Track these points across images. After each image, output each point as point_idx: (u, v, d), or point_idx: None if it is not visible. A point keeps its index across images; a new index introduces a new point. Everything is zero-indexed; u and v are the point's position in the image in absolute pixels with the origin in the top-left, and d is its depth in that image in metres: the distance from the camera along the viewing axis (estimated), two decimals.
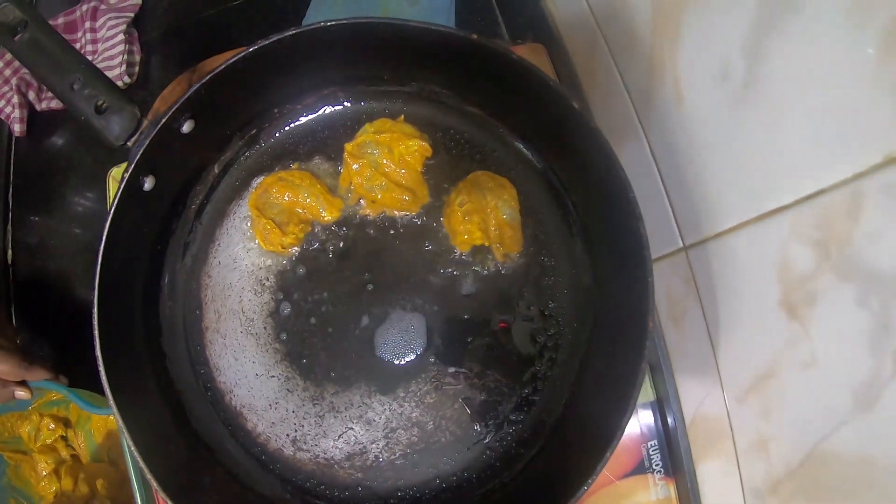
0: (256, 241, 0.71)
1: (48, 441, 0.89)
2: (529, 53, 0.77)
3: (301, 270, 0.71)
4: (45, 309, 1.01)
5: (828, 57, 0.45)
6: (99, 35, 1.02)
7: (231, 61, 0.61)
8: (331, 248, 0.71)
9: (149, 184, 0.64)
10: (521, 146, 0.71)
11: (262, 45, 0.60)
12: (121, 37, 1.00)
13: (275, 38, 0.61)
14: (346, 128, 0.72)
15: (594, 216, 0.67)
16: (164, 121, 0.61)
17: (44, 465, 0.89)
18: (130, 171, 0.60)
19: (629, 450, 0.75)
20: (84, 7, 1.03)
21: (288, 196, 0.70)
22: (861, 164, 0.44)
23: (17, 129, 1.03)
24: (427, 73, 0.69)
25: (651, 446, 0.75)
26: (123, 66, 0.99)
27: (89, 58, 0.99)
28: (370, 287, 0.70)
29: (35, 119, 1.05)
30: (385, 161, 0.69)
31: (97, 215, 1.01)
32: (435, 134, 0.72)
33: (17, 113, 1.02)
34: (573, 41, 0.81)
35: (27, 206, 1.05)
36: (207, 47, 0.88)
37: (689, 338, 0.69)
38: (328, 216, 0.71)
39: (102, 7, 1.03)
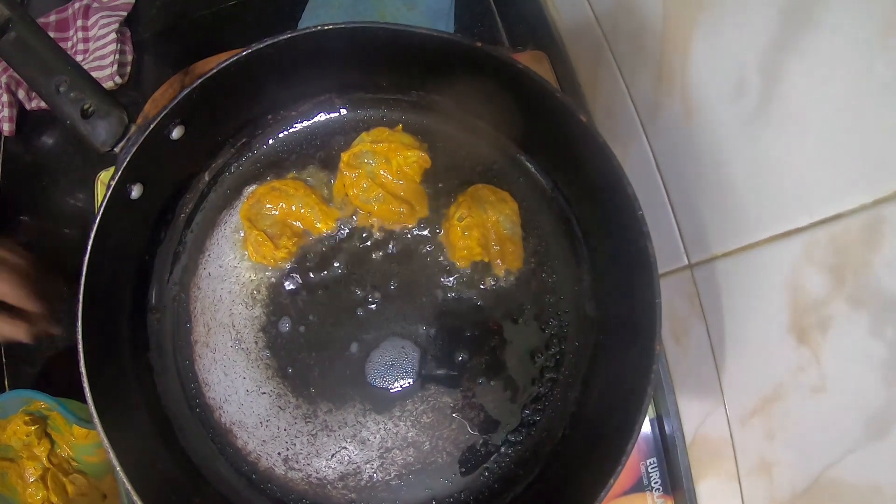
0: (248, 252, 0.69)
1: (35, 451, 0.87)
2: (531, 61, 0.75)
3: (293, 284, 0.69)
4: None
5: (850, 78, 0.43)
6: (91, 34, 1.00)
7: (223, 65, 0.59)
8: (324, 261, 0.69)
9: (136, 192, 0.62)
10: (524, 158, 0.70)
11: (256, 48, 0.59)
12: (113, 36, 0.98)
13: (269, 41, 0.59)
14: (342, 136, 0.71)
15: (599, 233, 0.66)
16: (152, 126, 0.59)
17: (31, 472, 0.88)
18: (117, 178, 0.59)
19: (627, 467, 0.72)
20: (76, 5, 1.02)
21: (281, 207, 0.68)
22: (883, 190, 0.42)
23: (6, 128, 1.01)
24: (427, 81, 0.67)
25: (650, 464, 0.74)
26: (115, 66, 0.97)
27: (80, 57, 0.98)
28: (364, 302, 0.69)
29: (25, 118, 1.03)
30: (382, 172, 0.67)
31: (87, 216, 0.99)
32: (434, 144, 0.70)
33: (6, 112, 1.01)
34: (576, 49, 0.80)
35: (16, 205, 1.03)
36: (201, 49, 0.86)
37: (692, 356, 0.68)
38: (323, 228, 0.69)
39: (95, 5, 1.01)
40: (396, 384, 0.68)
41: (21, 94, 1.02)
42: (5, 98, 1.00)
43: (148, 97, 0.83)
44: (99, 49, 0.99)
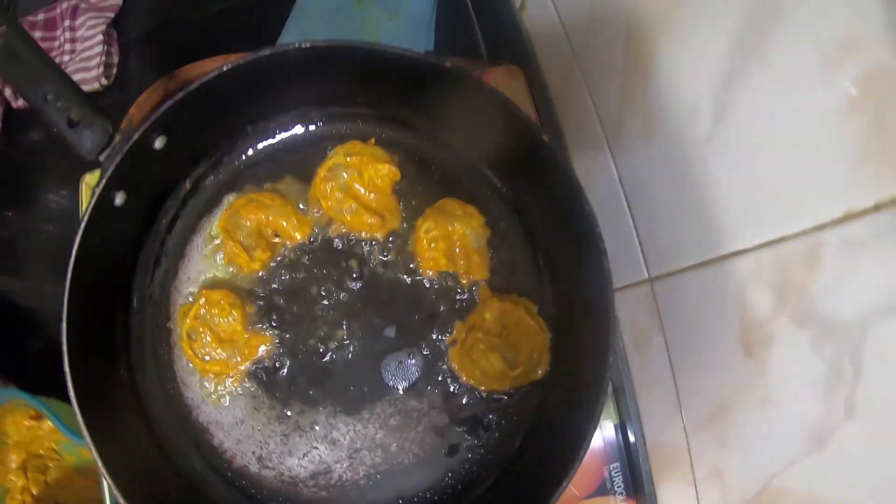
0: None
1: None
2: (506, 76, 0.77)
3: (267, 291, 0.71)
4: (15, 308, 1.01)
5: (794, 109, 0.45)
6: (78, 34, 1.01)
7: (206, 79, 0.60)
8: (296, 269, 0.71)
9: (120, 199, 0.63)
10: (490, 174, 0.72)
11: (237, 63, 0.60)
12: (100, 37, 0.99)
13: (250, 57, 0.61)
14: (317, 148, 0.72)
15: (560, 247, 0.68)
16: (136, 137, 0.60)
17: (14, 459, 0.89)
18: (101, 186, 0.60)
19: (592, 471, 0.75)
20: (64, 5, 1.03)
21: (259, 217, 0.70)
22: (822, 217, 0.44)
23: None
24: (400, 97, 0.69)
25: (613, 468, 0.76)
26: (101, 68, 0.99)
27: (67, 57, 0.99)
28: (335, 308, 0.70)
29: (11, 116, 1.04)
30: (355, 184, 0.69)
31: (70, 213, 1.00)
32: (406, 158, 0.72)
33: None
34: (549, 64, 0.82)
35: (1, 201, 1.04)
36: (186, 52, 0.86)
37: (653, 365, 0.70)
38: (298, 236, 0.70)
39: (83, 6, 1.03)
40: (365, 388, 0.69)
41: (7, 92, 1.03)
42: None
43: (133, 99, 0.83)
44: (86, 50, 1.00)
